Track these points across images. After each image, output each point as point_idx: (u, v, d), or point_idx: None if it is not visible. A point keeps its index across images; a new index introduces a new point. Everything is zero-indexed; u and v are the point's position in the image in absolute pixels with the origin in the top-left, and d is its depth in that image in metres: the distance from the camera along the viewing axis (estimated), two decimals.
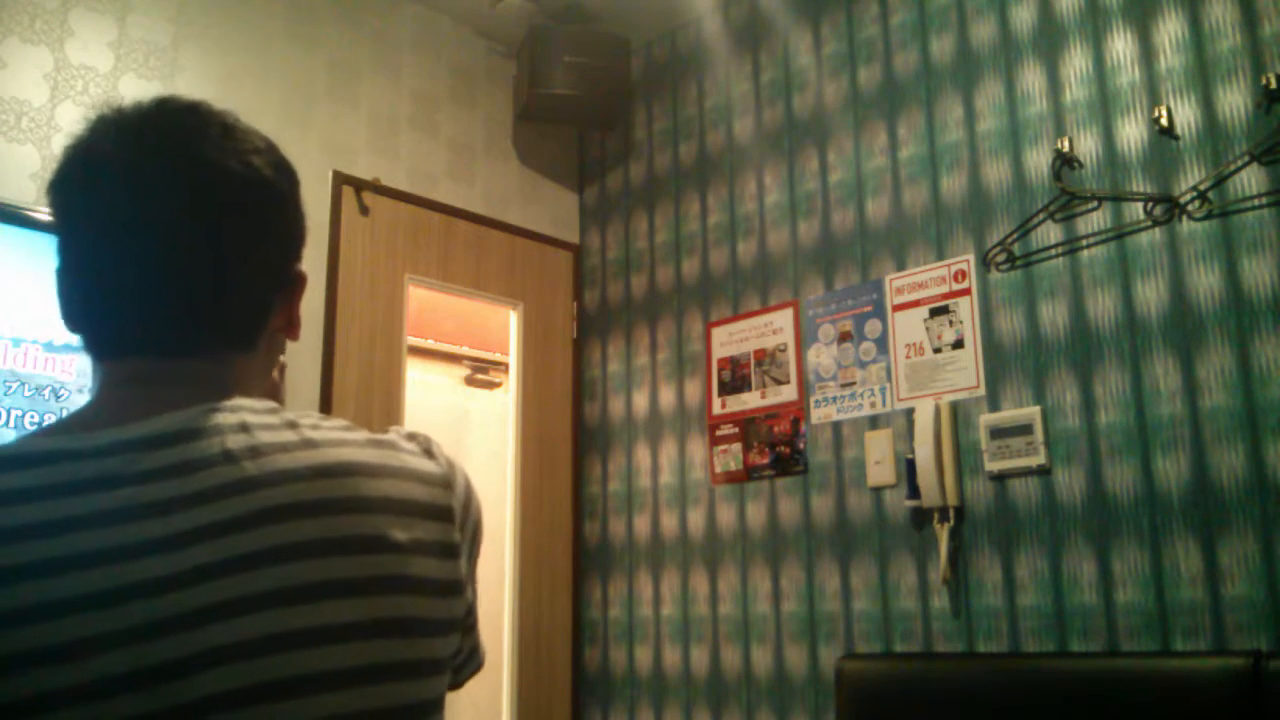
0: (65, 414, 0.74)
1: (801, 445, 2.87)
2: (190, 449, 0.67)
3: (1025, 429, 2.44)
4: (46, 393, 2.33)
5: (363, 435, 0.74)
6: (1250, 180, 2.21)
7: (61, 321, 0.76)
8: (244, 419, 0.70)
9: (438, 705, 0.72)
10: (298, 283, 0.81)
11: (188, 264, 0.73)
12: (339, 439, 0.72)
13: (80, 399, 2.37)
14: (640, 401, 3.33)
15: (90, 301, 0.75)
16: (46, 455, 0.66)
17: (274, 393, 0.90)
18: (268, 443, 0.69)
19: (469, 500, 0.79)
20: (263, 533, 0.65)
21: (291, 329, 0.82)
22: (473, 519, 0.79)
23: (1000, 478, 2.48)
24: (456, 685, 0.81)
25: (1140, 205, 2.35)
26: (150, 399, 0.71)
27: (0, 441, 2.20)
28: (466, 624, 0.78)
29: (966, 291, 2.61)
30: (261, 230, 0.77)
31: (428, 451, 0.78)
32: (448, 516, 0.75)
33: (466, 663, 0.82)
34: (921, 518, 2.59)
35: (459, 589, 0.75)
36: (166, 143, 0.74)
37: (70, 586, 0.61)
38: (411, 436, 0.78)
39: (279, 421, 0.71)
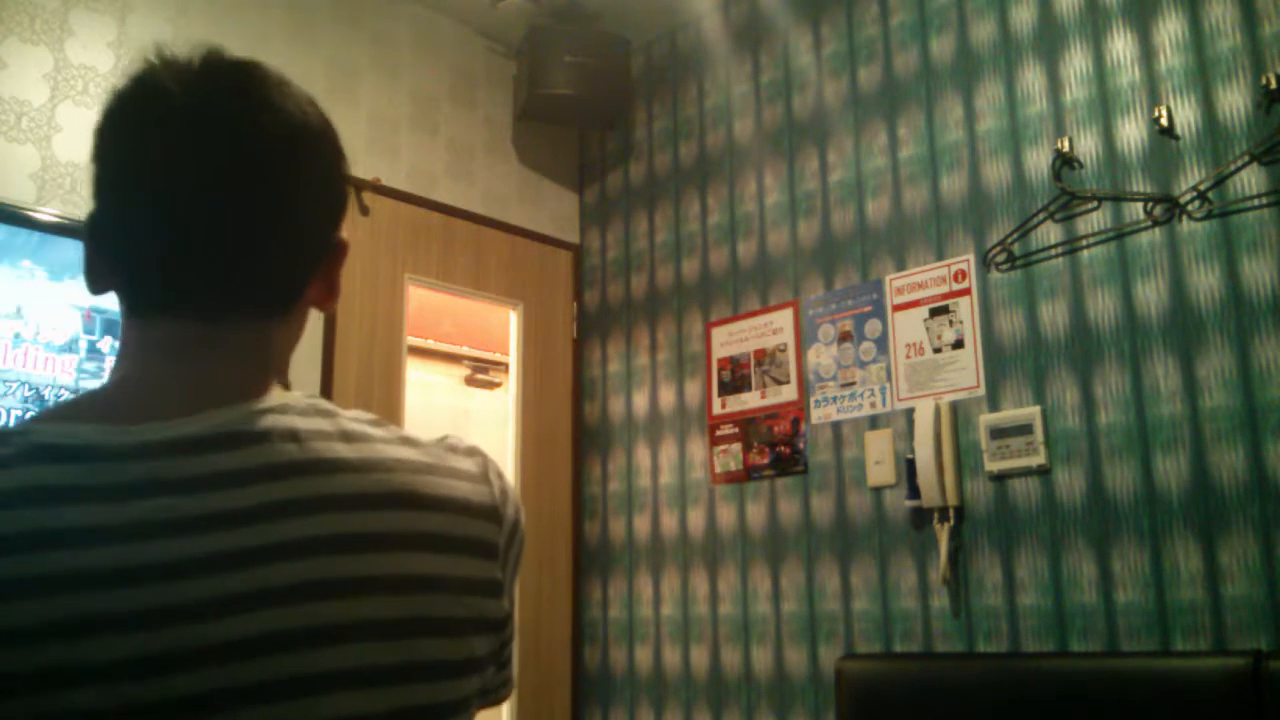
0: (97, 388, 0.70)
1: (801, 445, 2.87)
2: (234, 458, 0.64)
3: (1025, 429, 2.44)
4: (47, 392, 2.33)
5: (415, 455, 0.72)
6: (1250, 180, 2.21)
7: (85, 276, 0.73)
8: (294, 425, 0.67)
9: None
10: (340, 249, 0.78)
11: (241, 215, 0.70)
12: (392, 460, 0.69)
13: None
14: (640, 401, 3.33)
15: (129, 249, 0.71)
16: (81, 450, 0.62)
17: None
18: (318, 459, 0.66)
19: (514, 532, 0.77)
20: (301, 566, 0.63)
21: (329, 298, 0.78)
22: (515, 550, 0.78)
23: (1000, 478, 2.48)
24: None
25: (1140, 205, 2.35)
26: (189, 380, 0.68)
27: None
28: (501, 658, 0.77)
29: (966, 291, 2.61)
30: (314, 186, 0.75)
31: (484, 475, 0.76)
32: (492, 553, 0.74)
33: (492, 692, 0.80)
34: (921, 518, 2.59)
35: (496, 626, 0.73)
36: (226, 87, 0.72)
37: (92, 606, 0.58)
38: (470, 453, 0.77)
39: (332, 430, 0.69)
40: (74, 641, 0.57)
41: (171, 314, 0.70)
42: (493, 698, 0.81)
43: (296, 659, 0.61)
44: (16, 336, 2.32)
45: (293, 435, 0.66)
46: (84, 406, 0.67)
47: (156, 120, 0.70)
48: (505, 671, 0.80)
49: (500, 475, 0.78)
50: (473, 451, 0.77)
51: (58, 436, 0.63)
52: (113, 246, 0.71)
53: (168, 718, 0.58)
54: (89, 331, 2.41)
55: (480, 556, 0.72)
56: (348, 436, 0.69)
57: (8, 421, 2.26)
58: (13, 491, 0.60)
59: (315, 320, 2.87)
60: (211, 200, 0.69)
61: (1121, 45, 2.45)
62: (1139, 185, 2.37)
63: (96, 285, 0.73)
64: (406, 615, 0.66)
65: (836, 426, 2.81)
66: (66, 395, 2.36)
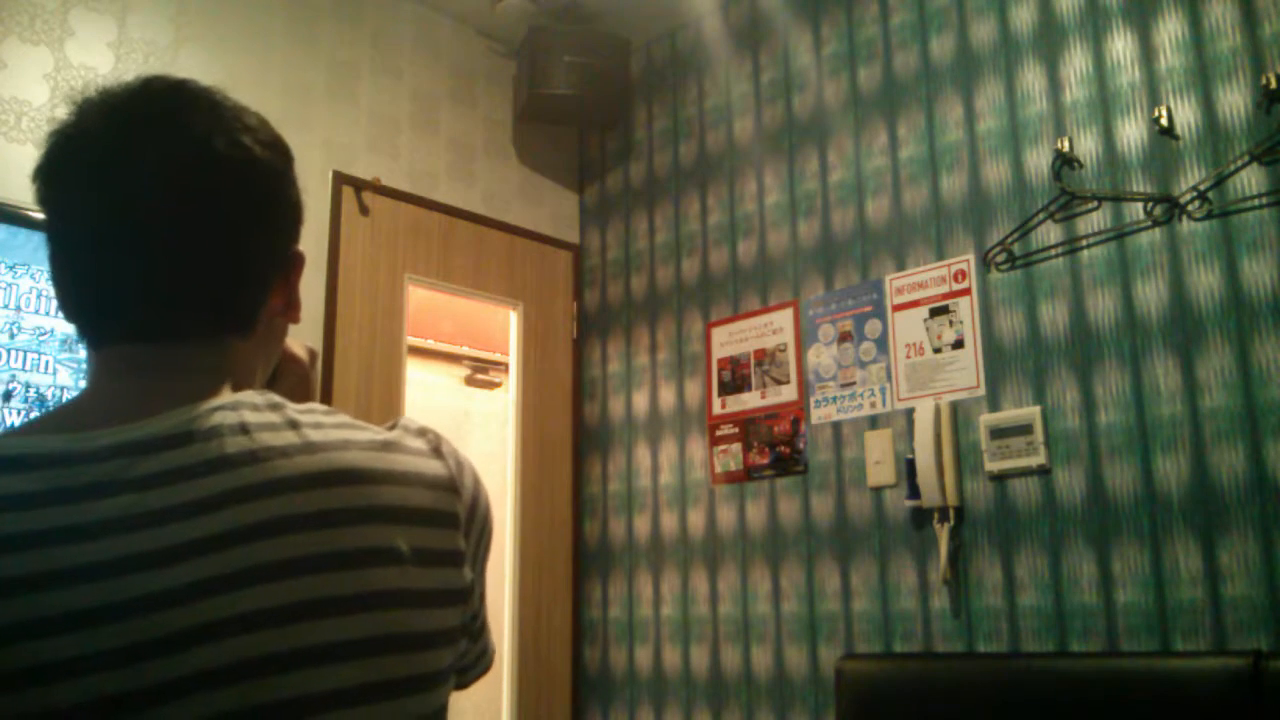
0: (59, 404, 0.72)
1: (801, 445, 2.87)
2: (188, 453, 0.66)
3: (1025, 429, 2.44)
4: (48, 394, 2.33)
5: (366, 436, 0.72)
6: (1250, 180, 2.21)
7: (61, 314, 0.76)
8: (244, 418, 0.68)
9: (439, 717, 0.71)
10: (294, 263, 0.79)
11: (173, 244, 0.72)
12: (342, 441, 0.70)
13: None
14: (640, 401, 3.33)
15: (81, 289, 0.73)
16: (44, 458, 0.64)
17: (302, 387, 0.89)
18: (268, 446, 0.67)
19: (475, 503, 0.77)
20: (259, 547, 0.64)
21: (291, 311, 0.80)
22: (479, 521, 0.77)
23: (1000, 478, 2.48)
24: (462, 686, 0.80)
25: (1140, 205, 2.35)
26: (146, 392, 0.70)
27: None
28: (473, 629, 0.77)
29: (966, 291, 2.61)
30: (250, 208, 0.75)
31: (436, 450, 0.76)
32: (453, 523, 0.73)
33: (474, 665, 0.81)
34: (921, 518, 2.59)
35: (463, 597, 0.73)
36: (149, 120, 0.73)
37: (63, 602, 0.59)
38: (421, 433, 0.76)
39: (280, 420, 0.69)
40: (53, 638, 0.59)
41: (124, 344, 0.73)
42: (475, 671, 0.82)
43: (266, 639, 0.62)
44: (17, 336, 2.32)
45: (242, 428, 0.68)
46: (43, 422, 0.69)
47: (80, 164, 0.73)
48: (481, 642, 0.81)
49: (454, 451, 0.78)
50: (424, 431, 0.77)
51: (17, 449, 0.65)
52: (65, 288, 0.74)
53: (142, 706, 0.59)
54: None
55: (439, 526, 0.72)
56: (295, 424, 0.70)
57: (11, 424, 2.26)
58: None
59: (316, 321, 2.86)
60: (140, 240, 0.71)
61: (1121, 45, 2.45)
62: (1139, 185, 2.37)
63: (68, 319, 0.76)
64: (369, 589, 0.66)
65: (836, 426, 2.81)
66: (67, 395, 2.36)
